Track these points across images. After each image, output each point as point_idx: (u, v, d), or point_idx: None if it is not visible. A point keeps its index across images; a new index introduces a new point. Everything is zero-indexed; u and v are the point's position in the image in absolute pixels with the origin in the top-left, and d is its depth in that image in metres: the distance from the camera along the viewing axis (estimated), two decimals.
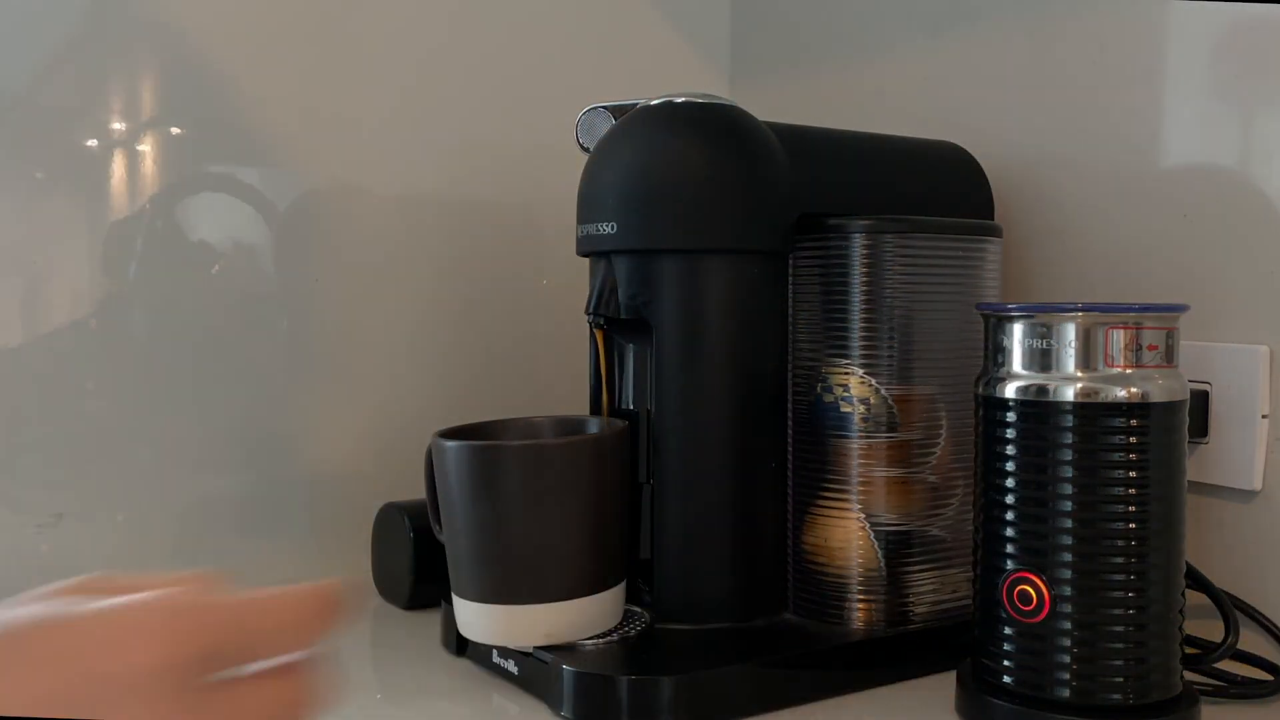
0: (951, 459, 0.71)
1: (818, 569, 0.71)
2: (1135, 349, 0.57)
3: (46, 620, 0.35)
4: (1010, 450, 0.59)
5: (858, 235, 0.69)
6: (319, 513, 0.94)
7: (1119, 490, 0.57)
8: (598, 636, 0.66)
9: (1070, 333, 0.58)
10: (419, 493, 0.75)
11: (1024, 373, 0.59)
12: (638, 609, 0.71)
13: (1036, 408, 0.58)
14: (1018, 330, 0.60)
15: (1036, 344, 0.59)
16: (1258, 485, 0.73)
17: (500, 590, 0.65)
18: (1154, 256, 0.79)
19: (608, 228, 0.69)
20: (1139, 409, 0.57)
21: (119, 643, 0.35)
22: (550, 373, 1.00)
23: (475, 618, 0.66)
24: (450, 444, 0.66)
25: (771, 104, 1.05)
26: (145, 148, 0.90)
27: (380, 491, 0.89)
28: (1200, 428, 0.74)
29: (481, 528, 0.65)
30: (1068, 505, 0.57)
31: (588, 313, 0.71)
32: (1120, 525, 0.57)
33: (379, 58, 0.98)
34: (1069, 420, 0.57)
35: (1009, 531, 0.59)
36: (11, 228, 0.85)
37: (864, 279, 0.69)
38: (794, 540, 0.72)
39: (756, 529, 0.71)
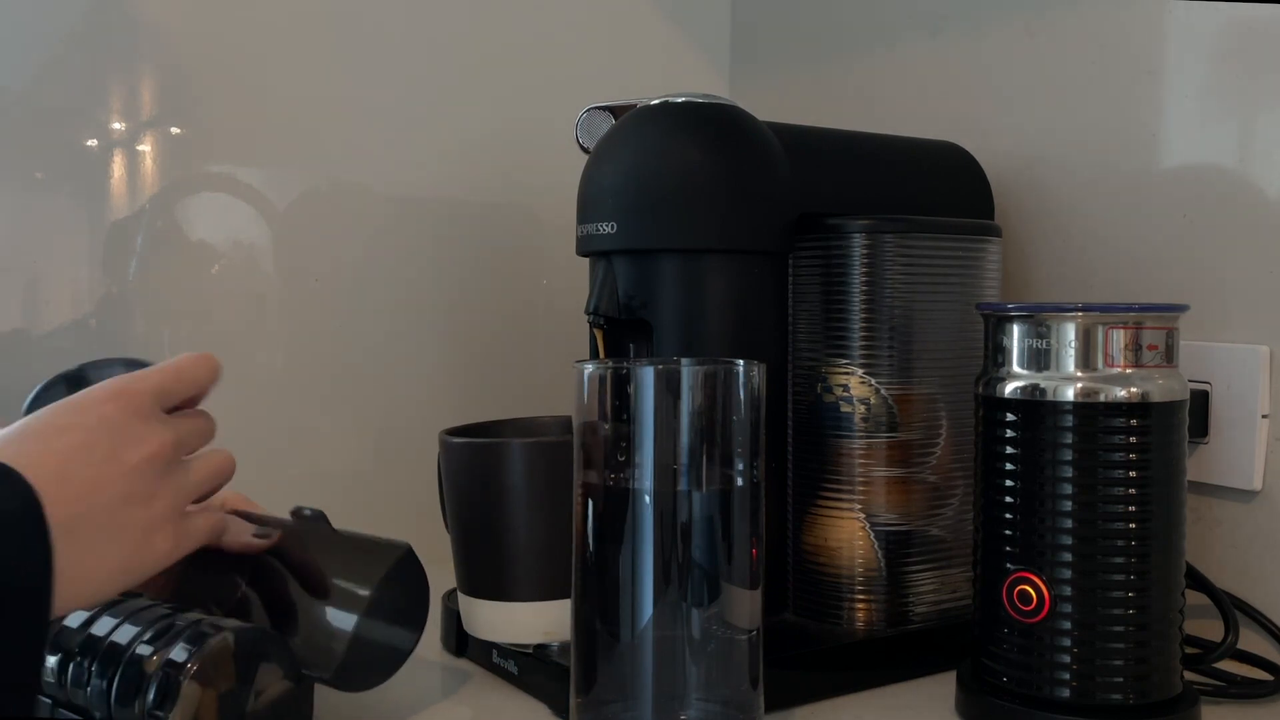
0: (951, 459, 0.71)
1: (818, 569, 0.71)
2: (1135, 349, 0.57)
3: (47, 409, 0.50)
4: (1010, 450, 0.59)
5: (858, 235, 0.69)
6: None
7: (1119, 490, 0.57)
8: None
9: (1070, 333, 0.58)
10: (419, 491, 0.75)
11: (1024, 372, 0.59)
12: None
13: (1036, 407, 0.58)
14: (1017, 330, 0.60)
15: (1036, 344, 0.59)
16: (1258, 485, 0.73)
17: (503, 587, 0.65)
18: (1154, 256, 0.79)
19: (607, 228, 0.69)
20: (1139, 409, 0.57)
21: (91, 402, 0.51)
22: (550, 373, 1.00)
23: (478, 614, 0.67)
24: (456, 441, 0.66)
25: (771, 104, 1.05)
26: (145, 148, 0.90)
27: (380, 490, 0.89)
28: (1200, 428, 0.74)
29: (485, 525, 0.65)
30: (1067, 505, 0.57)
31: (588, 313, 0.71)
32: (1120, 525, 0.57)
33: (379, 58, 0.98)
34: (1069, 420, 0.57)
35: (1009, 531, 0.59)
36: (11, 228, 0.85)
37: (864, 279, 0.69)
38: (794, 540, 0.72)
39: None
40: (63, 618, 0.55)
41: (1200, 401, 0.74)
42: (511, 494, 0.64)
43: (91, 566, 0.47)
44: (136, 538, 0.49)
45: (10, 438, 0.48)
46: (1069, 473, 0.57)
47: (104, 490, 0.48)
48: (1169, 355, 0.58)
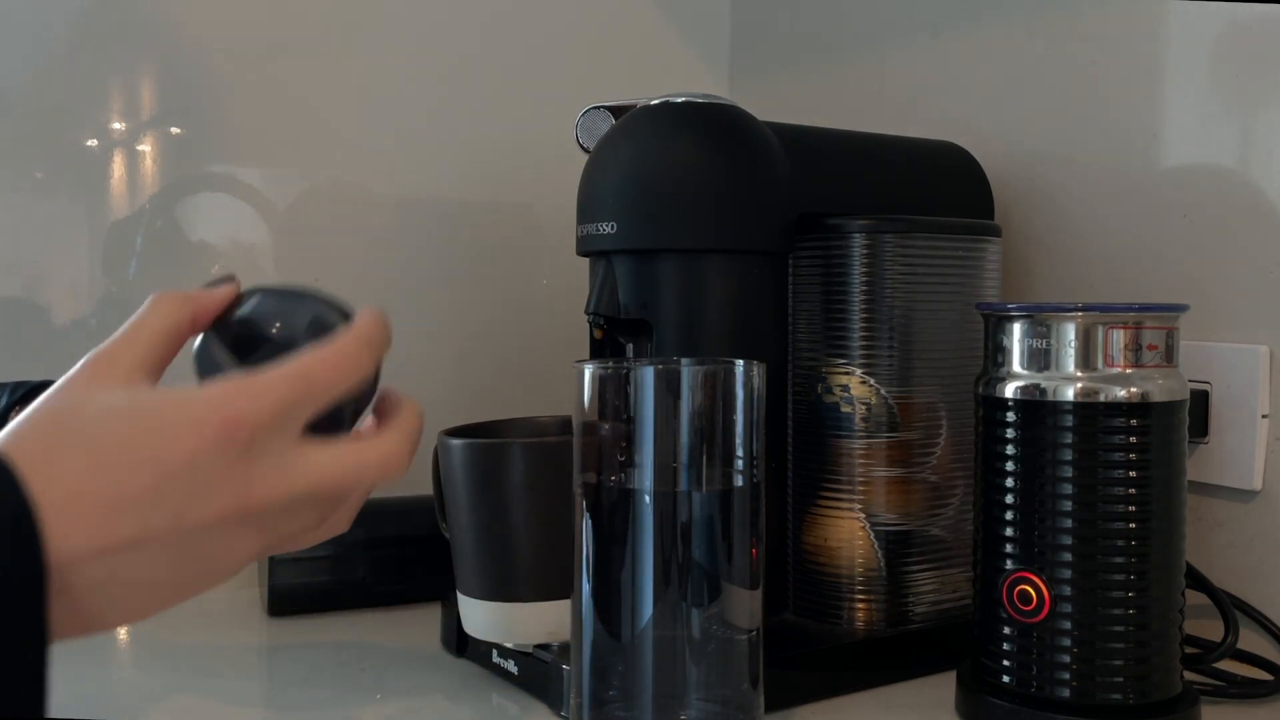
0: (951, 459, 0.71)
1: (818, 569, 0.71)
2: (1135, 349, 0.57)
3: (105, 411, 0.39)
4: (1010, 450, 0.59)
5: (858, 235, 0.69)
6: None
7: (1119, 490, 0.57)
8: None
9: (1070, 333, 0.58)
10: (420, 489, 0.74)
11: (1024, 373, 0.59)
12: None
13: (1036, 408, 0.58)
14: (1017, 330, 0.60)
15: (1036, 344, 0.59)
16: (1258, 485, 0.73)
17: (503, 588, 0.65)
18: (1154, 256, 0.79)
19: (607, 228, 0.69)
20: (1139, 409, 0.57)
21: (186, 425, 0.38)
22: (550, 373, 1.00)
23: (478, 615, 0.66)
24: (455, 442, 0.66)
25: (771, 104, 1.05)
26: (145, 148, 0.90)
27: (380, 490, 0.89)
28: (1200, 428, 0.74)
29: (485, 525, 0.65)
30: (1067, 505, 0.57)
31: (588, 313, 0.71)
32: (1120, 525, 0.57)
33: (379, 58, 0.98)
34: (1069, 420, 0.57)
35: (1009, 531, 0.59)
36: (11, 228, 0.85)
37: (864, 279, 0.69)
38: (794, 540, 0.72)
39: None
40: None
41: (1200, 401, 0.74)
42: (511, 494, 0.64)
43: (123, 604, 0.39)
44: (187, 578, 0.40)
45: (75, 443, 0.38)
46: (1069, 473, 0.57)
47: (148, 547, 0.38)
48: (1169, 355, 0.58)
